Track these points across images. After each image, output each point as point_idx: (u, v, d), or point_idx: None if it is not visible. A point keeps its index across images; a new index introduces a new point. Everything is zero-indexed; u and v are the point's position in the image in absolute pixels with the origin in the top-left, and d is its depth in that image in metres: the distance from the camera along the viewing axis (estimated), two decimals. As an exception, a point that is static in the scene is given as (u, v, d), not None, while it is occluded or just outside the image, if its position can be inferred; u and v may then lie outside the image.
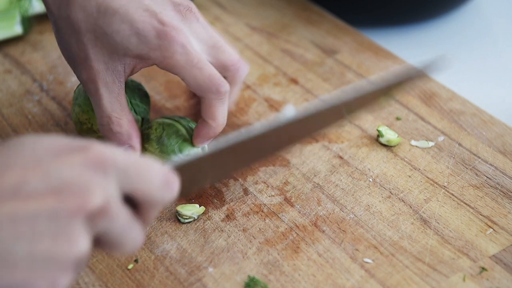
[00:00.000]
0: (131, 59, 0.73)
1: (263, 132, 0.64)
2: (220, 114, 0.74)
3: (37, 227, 0.50)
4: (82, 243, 0.51)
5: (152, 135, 0.77)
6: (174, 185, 0.56)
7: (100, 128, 0.75)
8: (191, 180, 0.61)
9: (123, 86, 0.74)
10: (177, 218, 0.76)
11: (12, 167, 0.51)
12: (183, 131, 0.77)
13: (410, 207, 0.76)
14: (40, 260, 0.50)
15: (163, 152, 0.76)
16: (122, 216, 0.53)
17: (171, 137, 0.77)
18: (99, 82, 0.73)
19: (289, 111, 0.65)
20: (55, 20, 0.74)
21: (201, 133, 0.75)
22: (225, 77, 0.74)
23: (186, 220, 0.76)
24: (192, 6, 0.75)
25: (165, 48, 0.71)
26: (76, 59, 0.74)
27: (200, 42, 0.73)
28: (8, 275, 0.49)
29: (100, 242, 0.54)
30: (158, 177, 0.55)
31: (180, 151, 0.77)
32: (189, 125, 0.79)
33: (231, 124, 0.88)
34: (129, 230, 0.54)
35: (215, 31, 0.75)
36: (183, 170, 0.59)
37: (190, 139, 0.77)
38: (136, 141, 0.75)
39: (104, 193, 0.52)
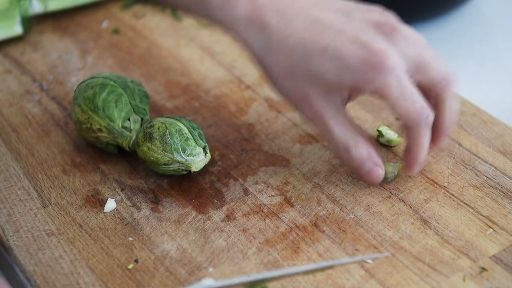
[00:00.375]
0: (347, 90, 0.73)
1: None
2: (426, 142, 0.74)
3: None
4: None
5: (154, 133, 0.77)
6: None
7: (339, 159, 0.76)
8: None
9: (345, 112, 0.75)
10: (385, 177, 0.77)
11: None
12: (186, 130, 0.78)
13: (410, 207, 0.76)
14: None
15: (166, 151, 0.76)
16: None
17: (174, 136, 0.77)
18: (324, 117, 0.74)
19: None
20: (263, 65, 0.76)
21: (409, 162, 0.75)
22: (431, 95, 0.74)
23: (389, 175, 0.78)
24: (395, 22, 0.75)
25: (379, 80, 0.70)
26: (295, 98, 0.75)
27: (407, 62, 0.72)
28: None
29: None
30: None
31: (183, 149, 0.77)
32: (191, 124, 0.79)
33: (232, 124, 0.88)
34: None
35: (423, 42, 0.75)
36: None
37: (192, 138, 0.77)
38: (377, 157, 0.75)
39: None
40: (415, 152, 0.74)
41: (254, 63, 0.76)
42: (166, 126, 0.77)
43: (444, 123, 0.75)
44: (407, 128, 0.73)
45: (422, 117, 0.72)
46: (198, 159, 0.77)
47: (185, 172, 0.79)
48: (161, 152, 0.77)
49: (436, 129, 0.75)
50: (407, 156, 0.75)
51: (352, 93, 0.74)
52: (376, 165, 0.75)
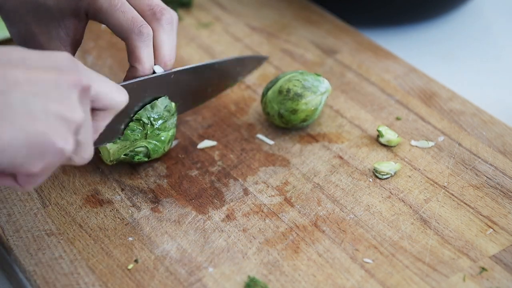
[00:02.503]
0: (69, 19, 0.77)
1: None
2: (145, 56, 0.76)
3: (47, 90, 0.58)
4: (80, 113, 0.60)
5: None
6: (125, 91, 0.67)
7: None
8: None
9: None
10: (375, 175, 0.79)
11: (13, 50, 0.60)
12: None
13: (410, 207, 0.76)
14: (53, 117, 0.58)
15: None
16: (90, 115, 0.63)
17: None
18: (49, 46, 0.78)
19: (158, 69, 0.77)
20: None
21: (129, 78, 0.77)
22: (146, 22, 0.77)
23: (384, 177, 0.79)
24: None
25: None
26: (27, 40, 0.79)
27: None
28: (32, 126, 0.58)
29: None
30: (113, 83, 0.66)
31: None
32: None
33: (232, 124, 0.88)
34: (91, 133, 0.64)
35: None
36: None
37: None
38: None
39: (88, 77, 0.62)
40: (132, 70, 0.76)
41: None
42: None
43: (160, 50, 0.77)
44: (124, 41, 0.76)
45: (135, 26, 0.75)
46: None
47: None
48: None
49: (156, 55, 0.78)
50: (125, 76, 0.77)
51: (75, 24, 0.78)
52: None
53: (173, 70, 0.78)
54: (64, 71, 0.60)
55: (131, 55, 0.76)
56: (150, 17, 0.77)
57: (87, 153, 0.64)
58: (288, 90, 0.83)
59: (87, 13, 0.77)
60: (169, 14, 0.78)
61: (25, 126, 0.57)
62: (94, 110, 0.66)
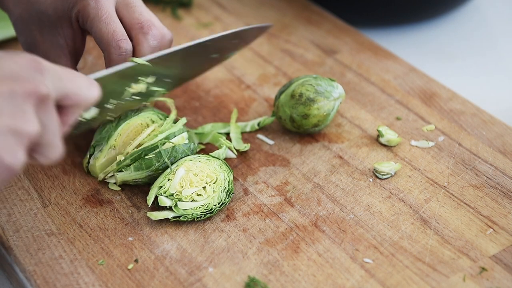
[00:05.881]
0: (67, 27, 0.78)
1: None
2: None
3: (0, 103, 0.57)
4: (34, 124, 0.59)
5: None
6: (96, 86, 0.66)
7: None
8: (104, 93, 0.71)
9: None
10: (375, 175, 0.79)
11: None
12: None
13: (410, 207, 0.76)
14: (3, 131, 0.57)
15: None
16: (55, 117, 0.62)
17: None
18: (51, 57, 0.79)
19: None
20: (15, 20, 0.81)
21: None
22: (133, 36, 0.78)
23: (384, 177, 0.79)
24: None
25: (80, 2, 0.76)
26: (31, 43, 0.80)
27: None
28: None
29: (33, 146, 0.61)
30: (83, 79, 0.65)
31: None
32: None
33: (231, 124, 0.88)
34: (57, 134, 0.63)
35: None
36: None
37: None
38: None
39: (47, 85, 0.61)
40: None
41: None
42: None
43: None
44: (103, 53, 0.77)
45: (114, 39, 0.75)
46: None
47: None
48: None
49: None
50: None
51: (73, 32, 0.79)
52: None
53: (153, 56, 0.77)
54: (20, 80, 0.59)
55: (107, 67, 0.76)
56: (138, 30, 0.77)
57: (54, 154, 0.64)
58: (301, 95, 0.82)
59: (78, 21, 0.78)
60: (158, 31, 0.77)
61: None
62: (64, 107, 0.65)
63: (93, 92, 0.66)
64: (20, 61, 0.60)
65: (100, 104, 0.73)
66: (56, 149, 0.64)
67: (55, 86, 0.62)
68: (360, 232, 0.74)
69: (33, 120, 0.59)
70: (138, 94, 0.78)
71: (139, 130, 0.79)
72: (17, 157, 0.58)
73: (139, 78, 0.77)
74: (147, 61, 0.76)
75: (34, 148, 0.62)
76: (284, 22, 1.05)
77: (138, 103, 0.80)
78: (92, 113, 0.73)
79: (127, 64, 0.75)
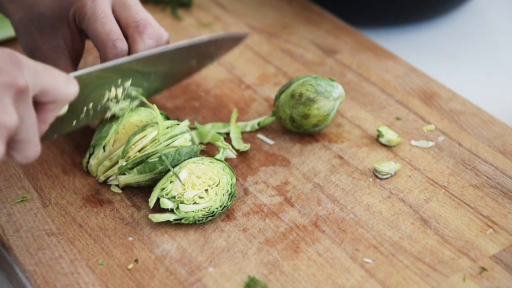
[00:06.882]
0: (65, 28, 0.78)
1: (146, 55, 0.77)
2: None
3: None
4: (13, 116, 0.59)
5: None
6: (75, 82, 0.66)
7: None
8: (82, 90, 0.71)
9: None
10: (375, 175, 0.79)
11: None
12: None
13: (410, 207, 0.76)
14: None
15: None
16: (33, 111, 0.62)
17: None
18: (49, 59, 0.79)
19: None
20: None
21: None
22: (129, 35, 0.78)
23: (384, 177, 0.79)
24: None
25: (77, 1, 0.77)
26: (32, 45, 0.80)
27: None
28: None
29: (11, 142, 0.62)
30: (61, 75, 0.65)
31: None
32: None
33: (231, 124, 0.88)
34: (35, 130, 0.62)
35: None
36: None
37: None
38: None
39: (26, 78, 0.60)
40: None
41: None
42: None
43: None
44: (99, 52, 0.77)
45: (110, 39, 0.76)
46: None
47: None
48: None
49: None
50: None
51: (72, 32, 0.79)
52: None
53: (133, 57, 0.77)
54: (0, 72, 0.59)
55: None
56: (133, 29, 0.77)
57: (31, 152, 0.63)
58: (301, 95, 0.82)
59: (75, 20, 0.78)
60: (154, 30, 0.78)
61: None
62: (41, 103, 0.65)
63: (71, 88, 0.66)
64: None
65: (78, 105, 0.73)
66: (33, 147, 0.63)
67: (32, 80, 0.62)
68: (360, 232, 0.74)
69: (11, 112, 0.59)
70: (117, 99, 0.78)
71: (138, 128, 0.79)
72: None
73: (119, 80, 0.77)
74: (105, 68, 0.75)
75: (11, 145, 0.62)
76: (284, 22, 1.05)
77: (117, 109, 0.79)
78: (65, 109, 0.72)
79: (106, 65, 0.75)
